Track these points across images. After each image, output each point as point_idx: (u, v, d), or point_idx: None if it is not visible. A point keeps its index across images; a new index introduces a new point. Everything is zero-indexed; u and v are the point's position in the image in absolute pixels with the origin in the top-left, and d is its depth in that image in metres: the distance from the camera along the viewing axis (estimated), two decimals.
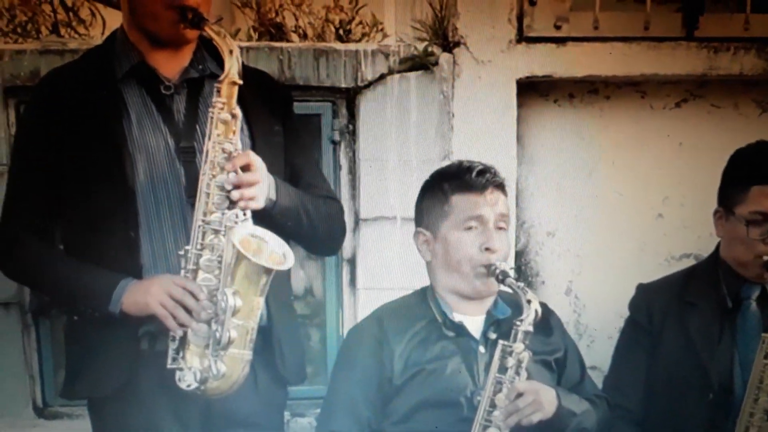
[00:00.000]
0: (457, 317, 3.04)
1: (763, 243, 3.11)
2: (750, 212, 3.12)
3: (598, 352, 3.71)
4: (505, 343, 2.85)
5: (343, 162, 3.92)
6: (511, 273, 2.93)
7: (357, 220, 3.91)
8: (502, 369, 2.85)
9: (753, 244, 3.13)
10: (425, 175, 3.16)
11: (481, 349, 2.98)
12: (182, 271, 2.70)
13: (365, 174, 3.88)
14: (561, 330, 3.20)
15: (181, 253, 2.70)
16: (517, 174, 3.88)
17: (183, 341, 2.68)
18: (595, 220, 4.05)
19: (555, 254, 4.10)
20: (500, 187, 3.04)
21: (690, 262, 3.82)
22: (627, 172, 4.03)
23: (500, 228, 3.02)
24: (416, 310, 3.08)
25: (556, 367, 3.11)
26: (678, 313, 3.27)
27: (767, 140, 3.27)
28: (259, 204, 2.75)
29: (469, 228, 2.99)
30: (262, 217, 2.76)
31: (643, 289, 3.40)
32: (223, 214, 2.70)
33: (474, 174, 3.02)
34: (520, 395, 2.83)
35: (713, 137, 3.95)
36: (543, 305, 3.00)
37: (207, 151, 2.71)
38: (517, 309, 2.89)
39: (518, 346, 2.83)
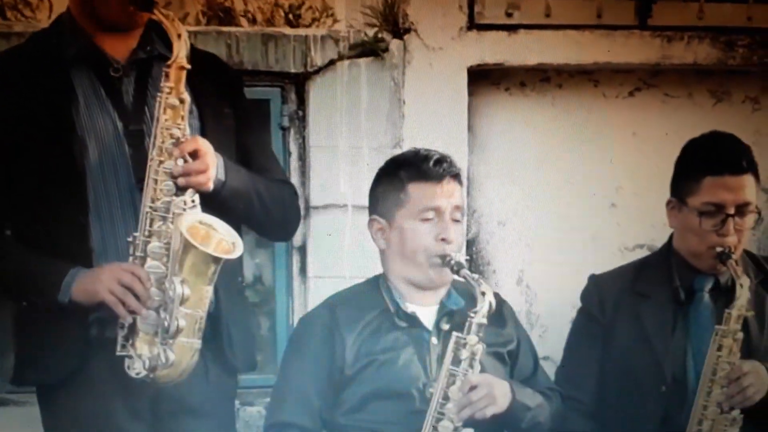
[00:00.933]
0: (409, 307, 3.04)
1: (716, 234, 3.12)
2: (703, 203, 3.13)
3: (550, 343, 3.73)
4: (459, 335, 2.85)
5: (293, 148, 3.92)
6: (466, 264, 2.93)
7: (307, 208, 3.90)
8: (456, 361, 2.85)
9: (706, 235, 3.14)
10: (376, 163, 3.17)
11: (434, 340, 2.98)
12: (130, 258, 2.67)
13: (315, 161, 3.88)
14: (514, 321, 3.21)
15: (130, 239, 2.67)
16: (468, 162, 3.89)
17: (132, 329, 2.66)
18: (547, 209, 4.07)
19: (506, 243, 4.11)
20: (456, 177, 3.05)
21: (643, 253, 3.85)
22: (579, 161, 4.06)
23: (455, 219, 3.02)
24: (369, 299, 3.08)
25: (509, 359, 3.12)
26: (631, 305, 3.27)
27: (721, 131, 3.31)
28: (209, 187, 2.73)
29: (426, 219, 3.00)
30: (212, 199, 2.75)
31: (595, 280, 3.39)
32: (171, 200, 2.67)
33: (432, 163, 3.02)
34: (473, 388, 2.83)
35: (667, 127, 3.97)
36: (496, 296, 3.02)
37: (155, 137, 2.68)
38: (470, 299, 2.90)
39: (472, 339, 2.84)
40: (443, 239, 2.98)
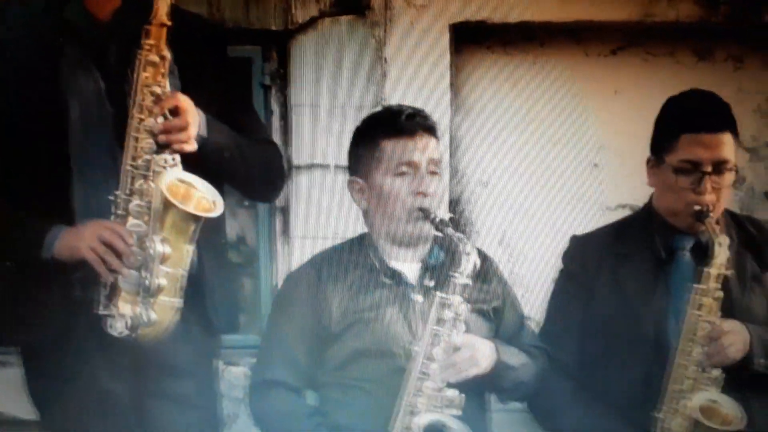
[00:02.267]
0: (394, 264, 3.07)
1: (693, 192, 3.12)
2: (679, 161, 3.13)
3: (532, 303, 3.74)
4: (443, 295, 2.88)
5: (275, 107, 3.95)
6: (451, 222, 2.94)
7: (290, 168, 3.92)
8: (440, 322, 2.87)
9: (683, 193, 3.14)
10: (358, 123, 3.16)
11: (418, 297, 3.00)
12: (112, 217, 2.69)
13: (297, 120, 3.91)
14: (499, 279, 3.23)
15: (111, 198, 2.69)
16: (450, 122, 3.91)
17: (113, 288, 2.68)
18: (530, 169, 4.10)
19: (489, 204, 4.14)
20: (431, 130, 3.07)
21: (626, 213, 3.85)
22: (561, 120, 4.08)
23: (432, 172, 3.04)
24: (353, 257, 3.11)
25: (493, 317, 3.15)
26: (612, 265, 3.27)
27: (699, 89, 3.30)
28: (192, 147, 2.74)
29: (401, 173, 3.02)
30: (194, 157, 2.76)
31: (577, 241, 3.40)
32: (151, 158, 2.69)
33: (403, 118, 3.04)
34: (457, 350, 2.87)
35: (649, 85, 3.99)
36: (482, 253, 3.05)
37: (135, 94, 2.69)
38: (453, 255, 2.91)
39: (456, 299, 2.87)
40: (420, 193, 3.00)
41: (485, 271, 3.14)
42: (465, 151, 4.05)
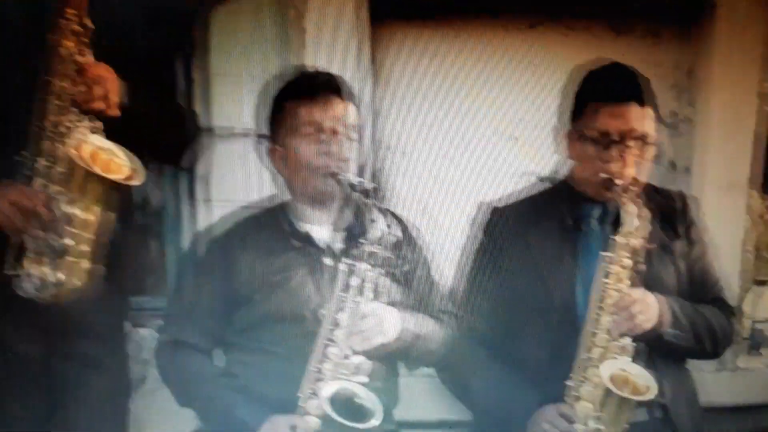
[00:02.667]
0: (304, 227, 3.12)
1: (601, 161, 3.17)
2: (593, 131, 3.18)
3: (452, 272, 3.82)
4: (350, 261, 2.92)
5: (196, 76, 3.96)
6: (361, 186, 2.96)
7: (210, 135, 3.93)
8: (346, 288, 2.91)
9: (592, 161, 3.19)
10: (261, 86, 3.27)
11: (328, 261, 3.05)
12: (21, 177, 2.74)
13: (218, 88, 3.93)
14: (413, 243, 3.30)
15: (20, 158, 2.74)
16: (372, 93, 3.98)
17: (21, 248, 2.71)
18: (450, 141, 4.14)
19: (410, 174, 4.19)
20: (344, 94, 3.12)
21: (546, 185, 3.84)
22: (481, 93, 4.12)
23: (345, 135, 3.09)
24: (264, 220, 3.17)
25: (404, 281, 3.22)
26: (522, 233, 3.32)
27: (616, 61, 3.33)
28: (114, 113, 2.81)
29: (313, 137, 3.07)
30: (114, 123, 2.82)
31: (493, 211, 3.44)
32: (71, 124, 2.74)
33: (316, 82, 3.11)
34: (363, 317, 2.92)
35: (567, 59, 4.02)
36: (396, 216, 3.12)
37: (57, 63, 2.74)
38: (363, 219, 2.95)
39: (363, 266, 2.91)
40: (326, 153, 3.05)
41: (399, 236, 3.20)
42: (386, 122, 4.11)
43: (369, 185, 2.93)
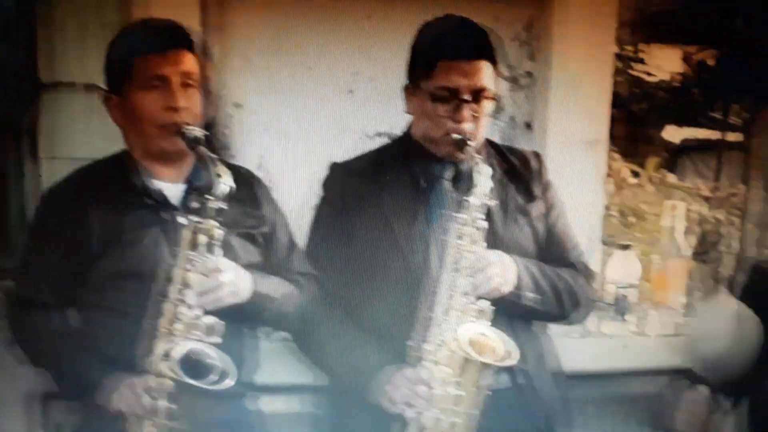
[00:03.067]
0: (156, 184, 3.09)
1: (451, 120, 3.19)
2: (437, 87, 3.19)
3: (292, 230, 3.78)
4: (196, 219, 2.89)
5: (39, 29, 3.86)
6: (207, 141, 2.98)
7: (37, 87, 3.84)
8: (194, 246, 2.89)
9: (441, 120, 3.20)
10: (104, 40, 3.12)
11: (182, 219, 2.97)
12: None
13: (42, 38, 3.83)
14: (270, 202, 3.29)
15: None
16: (203, 41, 3.84)
17: None
18: (285, 94, 4.11)
19: (245, 128, 4.15)
20: (184, 43, 3.08)
21: (384, 140, 3.83)
22: (316, 45, 4.08)
23: (186, 85, 3.06)
24: (113, 176, 3.10)
25: (263, 242, 3.21)
26: (372, 193, 3.31)
27: (456, 14, 3.34)
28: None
29: (153, 87, 3.02)
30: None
31: (335, 168, 3.42)
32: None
33: (155, 32, 3.07)
34: (214, 276, 2.91)
35: (403, 11, 4.02)
36: (250, 174, 3.15)
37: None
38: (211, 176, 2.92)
39: (209, 223, 2.89)
40: (171, 107, 3.02)
41: (254, 195, 3.16)
42: (218, 72, 4.02)
43: (215, 140, 2.89)
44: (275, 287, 3.12)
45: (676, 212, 4.71)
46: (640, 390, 4.30)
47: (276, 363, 3.56)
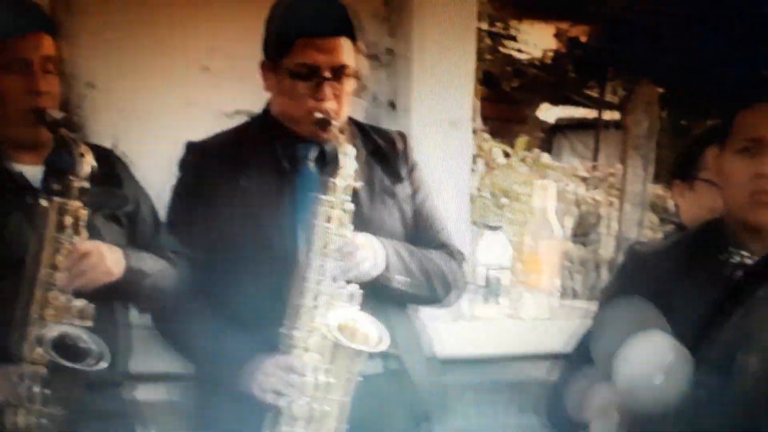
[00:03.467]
0: (16, 167, 3.04)
1: (312, 99, 3.17)
2: (296, 65, 3.17)
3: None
4: (60, 200, 2.86)
5: None
6: (64, 121, 3.00)
7: None
8: (60, 228, 2.88)
9: (301, 99, 3.18)
10: None
11: (44, 201, 2.92)
12: None
13: None
14: (132, 181, 3.25)
15: None
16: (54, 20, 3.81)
17: None
18: (140, 72, 4.09)
19: (98, 107, 4.11)
20: (44, 26, 3.06)
21: (242, 119, 3.77)
22: (170, 21, 4.09)
23: (46, 70, 3.03)
24: None
25: (127, 222, 3.17)
26: (232, 174, 3.27)
27: None
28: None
29: (12, 71, 3.00)
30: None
31: (192, 148, 3.38)
32: None
33: (14, 14, 3.01)
34: (82, 256, 2.88)
35: None
36: (111, 153, 3.16)
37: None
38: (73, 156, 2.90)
39: (74, 204, 2.87)
40: (33, 91, 2.98)
41: (116, 175, 3.14)
42: (69, 49, 3.98)
43: (73, 120, 2.88)
44: (149, 262, 3.11)
45: (548, 192, 4.76)
46: (519, 375, 4.36)
47: (140, 351, 3.53)
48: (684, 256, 2.75)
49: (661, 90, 6.07)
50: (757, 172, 2.59)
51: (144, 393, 3.45)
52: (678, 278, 2.69)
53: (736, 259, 2.37)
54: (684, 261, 2.73)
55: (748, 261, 2.35)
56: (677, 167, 3.65)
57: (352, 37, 3.24)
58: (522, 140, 5.82)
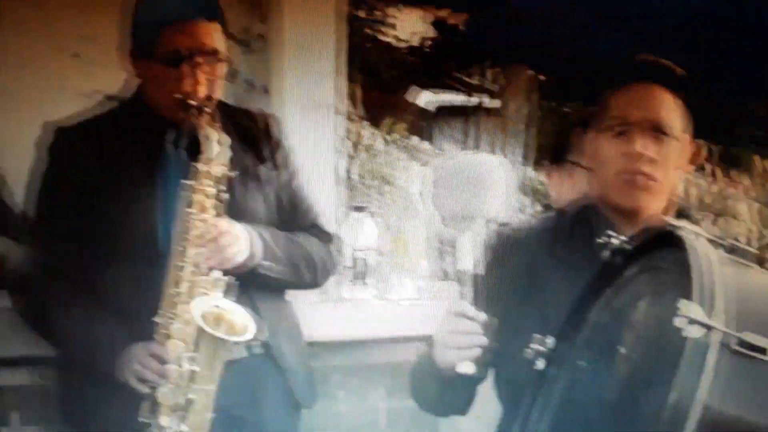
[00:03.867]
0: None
1: (182, 84, 3.22)
2: (164, 51, 3.22)
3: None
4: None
5: None
6: None
7: None
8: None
9: (171, 85, 3.23)
10: None
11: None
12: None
13: None
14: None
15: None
16: None
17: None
18: (6, 56, 4.11)
19: None
20: None
21: (113, 104, 3.80)
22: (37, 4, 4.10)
23: None
24: None
25: None
26: (101, 160, 3.31)
27: None
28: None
29: None
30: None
31: (60, 133, 3.40)
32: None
33: None
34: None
35: None
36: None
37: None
38: None
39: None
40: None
41: None
42: None
43: None
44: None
45: (419, 176, 4.83)
46: (388, 358, 4.45)
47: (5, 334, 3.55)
48: (554, 237, 2.86)
49: (541, 77, 6.18)
50: (627, 153, 2.69)
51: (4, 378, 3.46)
52: (549, 260, 2.81)
53: (606, 240, 2.43)
54: (555, 243, 2.84)
55: (617, 242, 2.42)
56: (551, 152, 3.74)
57: (221, 22, 3.29)
58: (398, 126, 5.89)
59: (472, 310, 2.50)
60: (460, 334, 2.52)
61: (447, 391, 2.65)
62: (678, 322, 1.82)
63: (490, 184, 3.14)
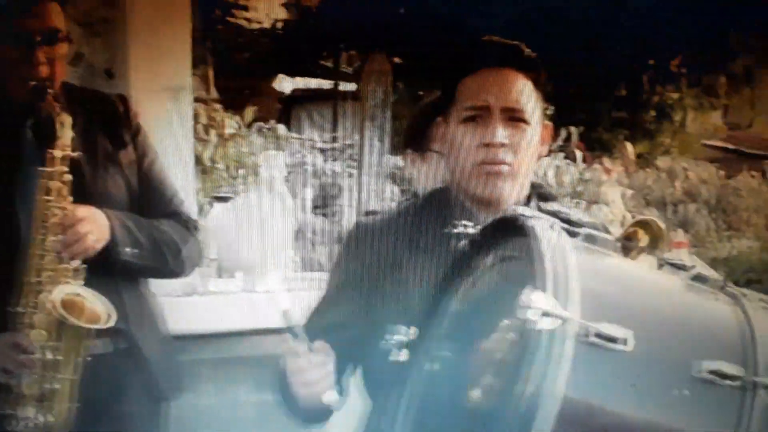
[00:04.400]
0: None
1: (23, 66, 3.14)
2: (3, 32, 3.12)
3: None
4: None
5: None
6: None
7: None
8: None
9: (14, 66, 3.15)
10: None
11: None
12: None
13: None
14: None
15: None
16: None
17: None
18: None
19: None
20: None
21: None
22: None
23: None
24: None
25: None
26: None
27: None
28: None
29: None
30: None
31: None
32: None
33: None
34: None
35: None
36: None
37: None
38: None
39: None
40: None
41: None
42: None
43: None
44: None
45: (276, 162, 4.83)
46: (256, 351, 4.39)
47: None
48: (411, 227, 2.77)
49: (396, 60, 6.23)
50: (483, 142, 2.62)
51: None
52: (406, 249, 2.73)
53: (461, 229, 2.41)
54: (411, 232, 2.76)
55: (472, 231, 2.40)
56: (408, 138, 3.73)
57: (61, 2, 3.22)
58: (250, 110, 5.89)
59: (305, 346, 2.44)
60: (305, 371, 2.47)
61: (310, 414, 2.61)
62: (530, 313, 1.80)
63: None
